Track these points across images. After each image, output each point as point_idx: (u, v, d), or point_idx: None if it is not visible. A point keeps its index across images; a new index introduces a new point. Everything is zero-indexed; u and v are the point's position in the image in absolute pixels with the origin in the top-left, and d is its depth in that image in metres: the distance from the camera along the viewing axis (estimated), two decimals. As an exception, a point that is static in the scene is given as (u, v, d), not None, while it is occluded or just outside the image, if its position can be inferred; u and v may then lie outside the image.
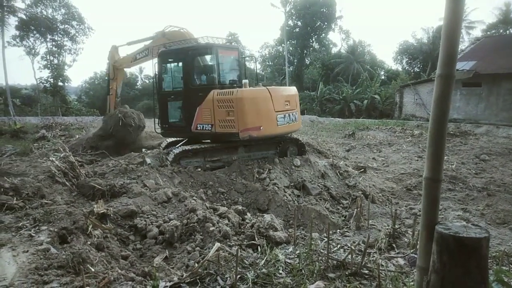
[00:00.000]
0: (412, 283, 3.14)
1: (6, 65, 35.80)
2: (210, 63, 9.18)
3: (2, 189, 5.75)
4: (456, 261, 1.90)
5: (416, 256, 3.54)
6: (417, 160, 11.64)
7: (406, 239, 4.22)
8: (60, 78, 38.77)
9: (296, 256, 3.71)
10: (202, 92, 8.63)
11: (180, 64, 9.23)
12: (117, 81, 11.43)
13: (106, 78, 11.77)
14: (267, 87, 8.66)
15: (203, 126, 8.64)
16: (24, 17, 35.77)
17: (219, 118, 8.33)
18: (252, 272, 3.26)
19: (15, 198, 5.61)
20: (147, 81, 57.52)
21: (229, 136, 8.41)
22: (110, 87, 11.49)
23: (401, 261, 3.66)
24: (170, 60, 9.43)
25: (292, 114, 8.97)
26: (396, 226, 4.33)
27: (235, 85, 8.86)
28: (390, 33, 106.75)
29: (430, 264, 2.09)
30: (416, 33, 42.90)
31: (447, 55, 2.03)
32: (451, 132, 16.83)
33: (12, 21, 35.37)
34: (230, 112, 8.15)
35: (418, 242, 2.38)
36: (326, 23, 46.51)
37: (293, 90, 9.63)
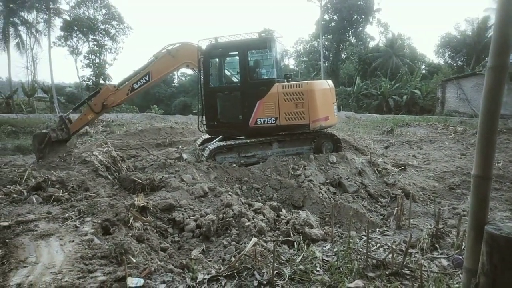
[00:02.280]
0: (457, 285, 3.00)
1: (52, 64, 37.97)
2: (270, 57, 9.04)
3: (49, 182, 6.11)
4: (508, 263, 1.79)
5: (461, 257, 3.39)
6: (461, 158, 11.11)
7: (450, 240, 4.04)
8: (102, 76, 40.42)
9: (333, 254, 3.65)
10: (264, 85, 8.64)
11: (235, 58, 9.14)
12: (97, 116, 9.76)
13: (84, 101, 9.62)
14: (317, 81, 9.00)
15: (264, 120, 8.63)
16: (68, 18, 37.58)
17: (286, 111, 8.45)
18: (289, 268, 3.25)
19: (61, 190, 5.95)
20: (184, 79, 58.72)
21: (297, 128, 8.58)
22: (84, 114, 9.46)
23: (445, 262, 3.51)
24: (222, 54, 9.25)
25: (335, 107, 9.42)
26: (439, 226, 4.15)
27: (289, 78, 8.96)
28: (431, 26, 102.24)
29: (479, 266, 1.99)
30: (460, 25, 40.51)
31: (500, 45, 1.90)
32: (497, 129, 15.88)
33: (57, 22, 37.35)
34: (299, 105, 8.36)
35: (465, 242, 2.27)
36: (363, 16, 45.22)
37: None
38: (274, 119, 8.52)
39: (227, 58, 9.51)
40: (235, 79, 9.35)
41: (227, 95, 9.35)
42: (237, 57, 8.96)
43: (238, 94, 9.05)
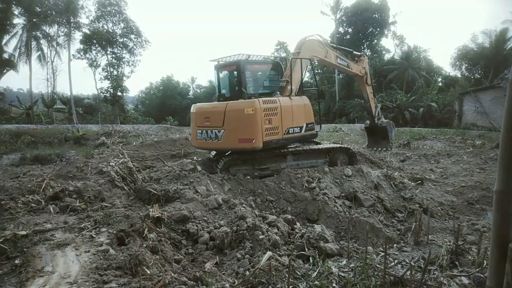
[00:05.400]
0: (479, 305, 2.90)
1: (71, 76, 39.01)
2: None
3: (66, 192, 6.19)
4: (535, 284, 1.72)
5: (482, 275, 3.27)
6: (479, 172, 10.83)
7: (470, 257, 3.91)
8: (119, 89, 41.22)
9: (350, 269, 3.57)
10: None
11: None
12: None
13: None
14: (197, 104, 9.59)
15: None
16: (87, 32, 38.60)
17: None
18: (304, 283, 3.19)
19: (78, 200, 6.02)
20: (199, 91, 59.49)
21: None
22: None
23: (465, 280, 3.39)
24: None
25: (213, 132, 8.37)
26: (459, 242, 4.03)
27: (221, 99, 9.33)
28: (447, 38, 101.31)
29: (504, 286, 1.92)
30: (477, 37, 39.82)
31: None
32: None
33: (77, 35, 38.44)
34: None
35: (487, 260, 2.19)
36: (378, 29, 45.23)
37: (220, 106, 8.53)
38: None
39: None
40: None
41: None
42: None
43: None
